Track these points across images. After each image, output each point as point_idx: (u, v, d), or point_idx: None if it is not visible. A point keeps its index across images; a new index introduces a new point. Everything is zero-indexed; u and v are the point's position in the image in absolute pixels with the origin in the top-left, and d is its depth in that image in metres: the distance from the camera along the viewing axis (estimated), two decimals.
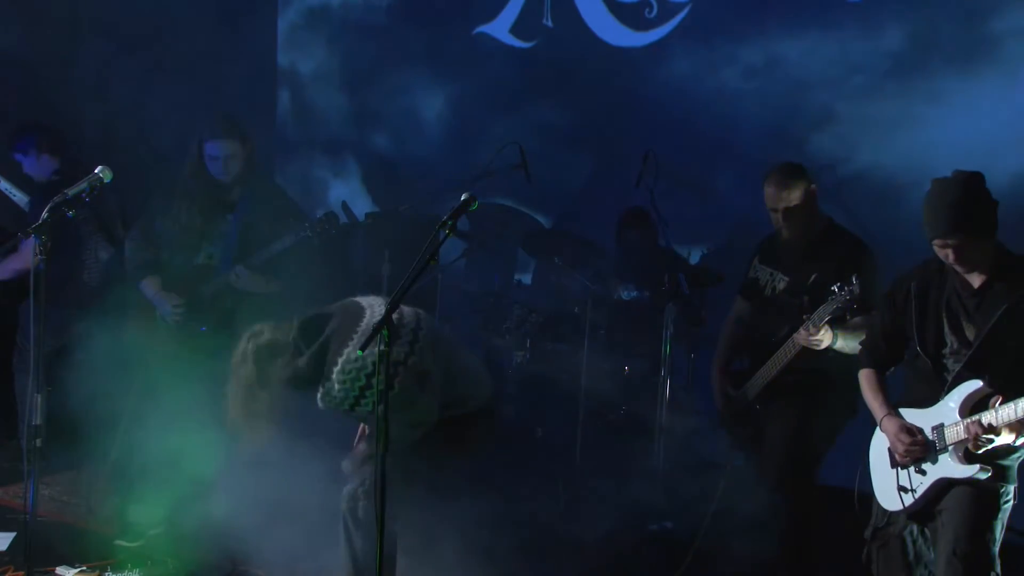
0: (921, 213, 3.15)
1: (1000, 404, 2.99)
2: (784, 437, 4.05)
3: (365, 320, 3.34)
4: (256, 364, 3.33)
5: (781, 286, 4.15)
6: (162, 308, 4.46)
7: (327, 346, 3.33)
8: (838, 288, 3.61)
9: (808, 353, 3.90)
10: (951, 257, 3.11)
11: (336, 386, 3.29)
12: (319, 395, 3.35)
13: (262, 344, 3.35)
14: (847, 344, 3.83)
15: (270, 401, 3.35)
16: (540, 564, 4.15)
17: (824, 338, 3.77)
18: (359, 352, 3.04)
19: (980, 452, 3.06)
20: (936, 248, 3.14)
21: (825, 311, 3.68)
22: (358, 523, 3.47)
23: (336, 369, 3.27)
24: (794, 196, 3.99)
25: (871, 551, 3.45)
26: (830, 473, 4.13)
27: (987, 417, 3.02)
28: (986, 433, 3.01)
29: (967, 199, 3.07)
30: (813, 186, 4.05)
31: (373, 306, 3.43)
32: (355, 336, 3.28)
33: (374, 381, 3.22)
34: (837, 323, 3.82)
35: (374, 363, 3.18)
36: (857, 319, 3.85)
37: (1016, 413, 2.95)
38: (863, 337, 3.71)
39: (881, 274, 3.88)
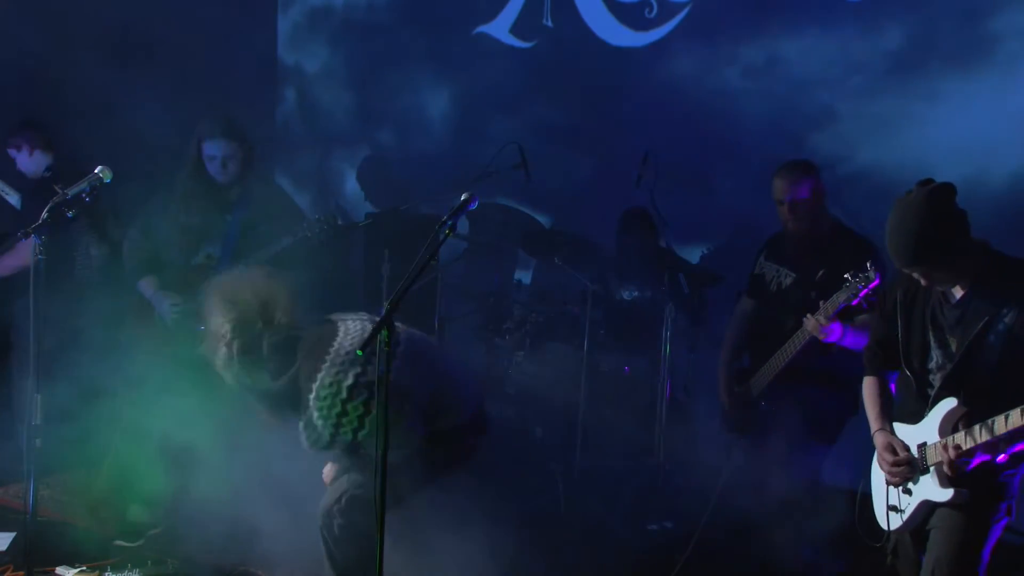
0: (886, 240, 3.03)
1: (971, 425, 2.88)
2: (788, 433, 4.05)
3: (336, 342, 3.28)
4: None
5: (788, 282, 4.18)
6: (160, 307, 4.47)
7: (298, 374, 3.27)
8: (852, 275, 3.61)
9: (813, 351, 3.91)
10: (922, 281, 3.01)
11: (315, 414, 3.21)
12: (301, 428, 3.25)
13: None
14: (856, 340, 3.82)
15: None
16: (539, 563, 4.15)
17: (833, 330, 3.78)
18: (358, 352, 3.01)
19: (955, 475, 2.94)
20: None
21: (839, 297, 3.70)
22: (336, 540, 3.43)
23: (311, 396, 3.20)
24: (801, 190, 4.05)
25: (895, 567, 3.33)
26: (831, 473, 4.13)
27: (958, 439, 2.91)
28: (960, 456, 2.89)
29: (926, 227, 2.86)
30: (821, 183, 4.09)
31: (347, 324, 3.38)
32: (327, 360, 3.21)
33: (349, 407, 3.16)
34: (848, 319, 3.82)
35: (348, 387, 3.16)
36: (863, 316, 3.86)
37: (980, 438, 2.84)
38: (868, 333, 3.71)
39: (887, 274, 3.88)
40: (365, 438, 3.18)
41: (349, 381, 3.19)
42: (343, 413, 3.18)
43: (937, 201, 2.89)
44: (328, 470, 3.63)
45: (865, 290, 3.58)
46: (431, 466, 3.42)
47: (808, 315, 3.86)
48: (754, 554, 4.05)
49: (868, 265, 3.58)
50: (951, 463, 2.92)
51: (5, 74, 5.67)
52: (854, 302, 3.66)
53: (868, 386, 3.37)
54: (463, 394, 3.58)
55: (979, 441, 2.85)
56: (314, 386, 3.21)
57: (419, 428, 3.33)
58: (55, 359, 4.19)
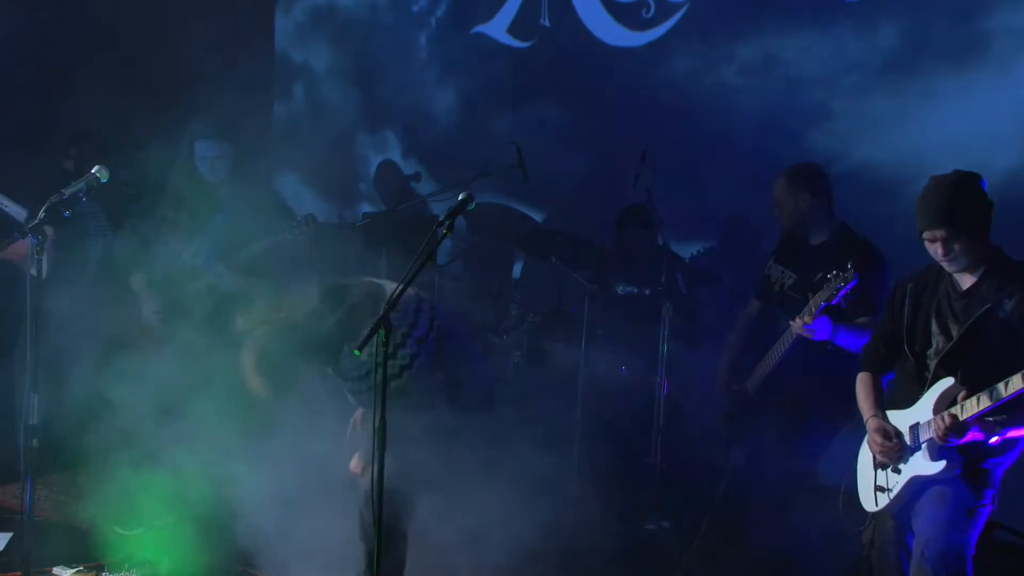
0: (914, 209, 3.15)
1: (966, 399, 2.98)
2: (782, 431, 4.06)
3: (390, 295, 3.27)
4: (278, 334, 3.35)
5: (788, 283, 4.20)
6: (146, 305, 4.53)
7: (357, 311, 3.32)
8: (833, 275, 3.64)
9: (807, 351, 3.91)
10: (940, 251, 3.10)
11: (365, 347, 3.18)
12: (345, 351, 3.34)
13: (283, 316, 3.38)
14: (848, 340, 3.84)
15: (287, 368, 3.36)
16: (537, 563, 4.15)
17: (818, 328, 3.79)
18: (356, 352, 3.01)
19: (945, 443, 3.04)
20: (927, 244, 3.13)
21: (820, 297, 3.72)
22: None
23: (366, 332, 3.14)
24: (786, 192, 4.06)
25: (869, 559, 3.41)
26: (828, 469, 4.14)
27: (954, 410, 3.00)
28: (953, 428, 2.98)
29: (960, 193, 3.09)
30: (819, 187, 4.09)
31: (389, 285, 3.42)
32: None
33: (400, 353, 3.28)
34: (840, 318, 3.83)
35: (403, 334, 3.29)
36: (862, 320, 3.88)
37: (979, 406, 2.93)
38: (867, 334, 3.72)
39: (890, 278, 3.90)
40: (396, 388, 3.25)
41: (405, 329, 3.34)
42: (391, 356, 3.22)
43: (974, 179, 3.14)
44: (355, 462, 3.63)
45: (844, 289, 3.62)
46: (447, 440, 3.48)
47: (795, 317, 3.87)
48: (751, 552, 4.05)
49: (848, 265, 3.61)
50: (945, 430, 2.99)
51: (8, 72, 5.69)
52: (834, 301, 3.68)
53: (862, 380, 3.47)
54: (471, 376, 3.66)
55: (978, 409, 2.93)
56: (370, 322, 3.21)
57: (442, 395, 3.45)
58: (71, 360, 4.21)
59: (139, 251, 4.60)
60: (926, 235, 3.11)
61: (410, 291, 3.40)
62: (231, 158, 4.57)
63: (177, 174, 4.56)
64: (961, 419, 2.98)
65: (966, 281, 3.16)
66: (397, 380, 3.33)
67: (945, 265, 3.15)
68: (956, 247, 3.07)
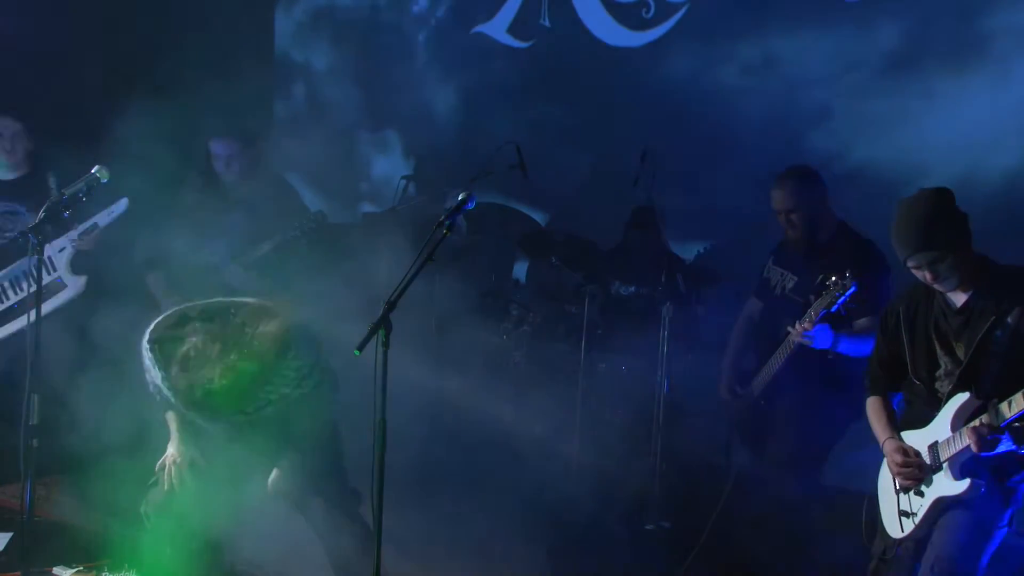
0: (891, 239, 3.10)
1: (998, 402, 2.90)
2: (787, 434, 4.06)
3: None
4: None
5: (790, 285, 4.18)
6: (164, 304, 4.53)
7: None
8: (832, 283, 3.62)
9: (810, 355, 3.91)
10: (928, 277, 3.05)
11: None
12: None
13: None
14: (850, 347, 3.82)
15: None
16: (537, 563, 4.15)
17: (818, 336, 3.77)
18: (356, 352, 3.01)
19: (981, 446, 2.94)
20: (913, 271, 3.09)
21: (819, 304, 3.70)
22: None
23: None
24: (797, 199, 4.03)
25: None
26: (832, 474, 4.14)
27: (982, 419, 2.92)
28: (988, 433, 2.89)
29: (933, 214, 3.02)
30: (820, 189, 4.08)
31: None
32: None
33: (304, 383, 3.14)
34: (841, 326, 3.82)
35: (310, 364, 3.17)
36: (863, 321, 3.86)
37: (1001, 414, 2.86)
38: (868, 339, 3.71)
39: (891, 277, 3.89)
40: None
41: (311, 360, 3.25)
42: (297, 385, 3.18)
43: (943, 196, 3.05)
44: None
45: (843, 297, 3.61)
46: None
47: (793, 323, 3.86)
48: (757, 553, 4.05)
49: (847, 272, 3.59)
50: (979, 439, 2.90)
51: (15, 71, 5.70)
52: (833, 309, 3.67)
53: (872, 405, 3.39)
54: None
55: (1009, 414, 2.85)
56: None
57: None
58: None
59: (155, 250, 4.60)
60: (910, 263, 3.06)
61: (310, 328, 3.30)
62: (246, 157, 4.58)
63: (194, 172, 4.57)
64: (993, 423, 2.88)
65: (959, 297, 3.09)
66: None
67: (937, 287, 3.09)
68: (943, 268, 3.01)
